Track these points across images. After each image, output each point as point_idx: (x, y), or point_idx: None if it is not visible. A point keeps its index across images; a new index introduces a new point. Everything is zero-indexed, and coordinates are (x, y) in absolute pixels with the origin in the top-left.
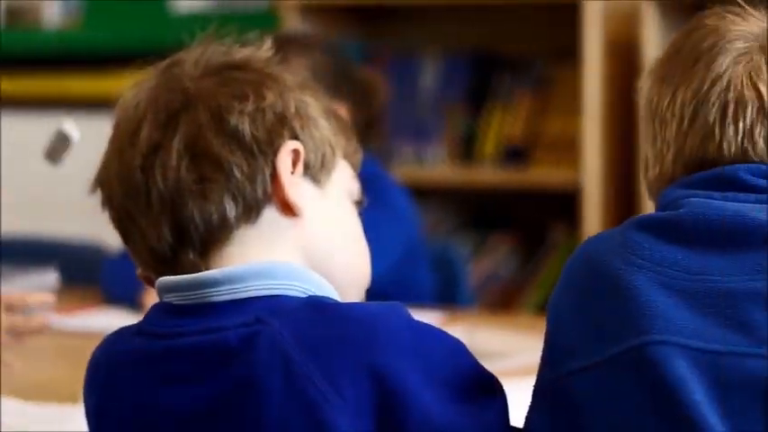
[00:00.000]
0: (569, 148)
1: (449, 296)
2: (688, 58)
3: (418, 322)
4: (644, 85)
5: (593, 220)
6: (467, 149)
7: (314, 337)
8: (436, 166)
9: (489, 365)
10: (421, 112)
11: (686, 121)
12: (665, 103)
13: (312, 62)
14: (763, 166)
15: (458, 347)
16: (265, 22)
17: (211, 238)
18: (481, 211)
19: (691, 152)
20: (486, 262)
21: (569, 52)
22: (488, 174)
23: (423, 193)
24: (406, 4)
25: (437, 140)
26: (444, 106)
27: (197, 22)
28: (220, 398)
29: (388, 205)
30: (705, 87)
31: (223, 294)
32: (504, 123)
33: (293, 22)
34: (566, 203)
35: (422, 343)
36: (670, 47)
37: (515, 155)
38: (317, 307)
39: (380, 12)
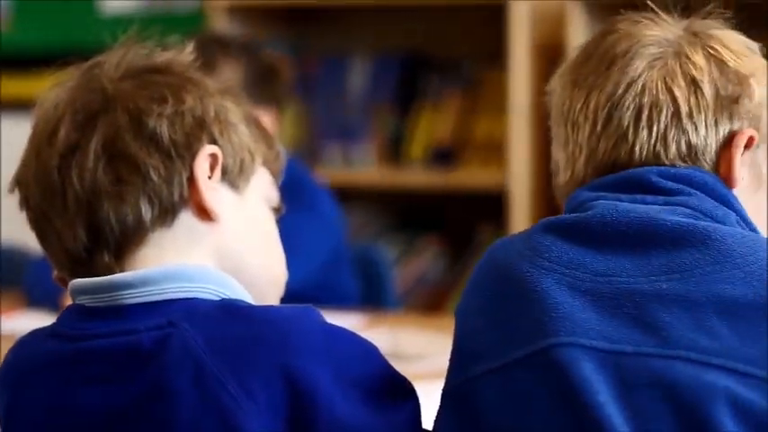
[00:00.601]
0: (497, 150)
1: (374, 299)
2: (602, 62)
3: (331, 325)
4: (554, 89)
5: (520, 221)
6: (395, 151)
7: (226, 339)
8: (364, 167)
9: (411, 367)
10: (349, 113)
11: (600, 125)
12: (578, 107)
13: (237, 64)
14: (673, 170)
15: (370, 351)
16: (194, 23)
17: (126, 241)
18: (409, 213)
19: (603, 155)
20: (415, 264)
21: (497, 54)
22: (416, 175)
23: (351, 195)
24: (335, 5)
25: (365, 142)
26: (372, 107)
27: (125, 24)
28: (134, 400)
29: (313, 209)
30: (620, 91)
31: (136, 297)
32: (432, 125)
33: (222, 24)
34: (493, 205)
35: (334, 346)
36: (582, 51)
37: (443, 156)
38: (230, 310)
39: (309, 13)
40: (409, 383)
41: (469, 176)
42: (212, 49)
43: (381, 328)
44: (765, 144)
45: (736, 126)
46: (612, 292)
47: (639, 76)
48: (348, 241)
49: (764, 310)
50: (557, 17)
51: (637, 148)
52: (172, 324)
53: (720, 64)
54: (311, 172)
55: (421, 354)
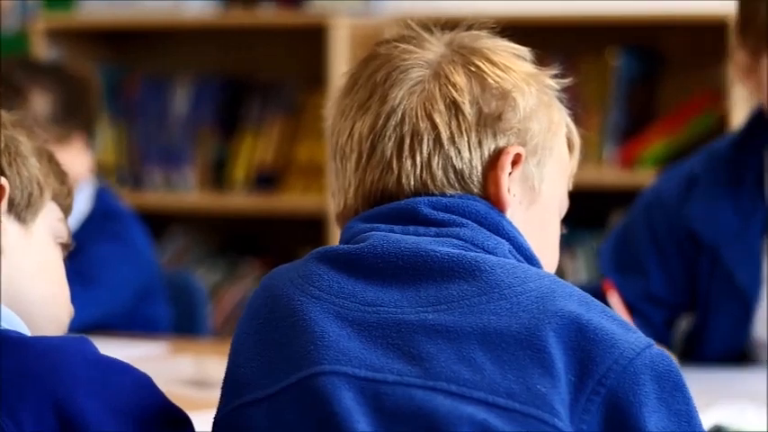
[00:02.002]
0: (318, 174)
1: (188, 326)
2: (364, 92)
3: (103, 356)
4: (329, 118)
5: None
6: (217, 175)
7: None
8: (186, 191)
9: (215, 394)
10: (171, 136)
11: (365, 157)
12: (344, 139)
13: (46, 90)
14: (444, 199)
15: (143, 381)
16: (14, 46)
17: None
18: (232, 238)
19: (371, 186)
20: (237, 289)
21: (318, 77)
22: (239, 199)
23: (173, 220)
24: (157, 28)
25: (187, 165)
26: (195, 131)
27: None
28: None
29: (122, 239)
30: (381, 122)
31: None
32: (254, 149)
33: (42, 47)
34: (315, 228)
35: (105, 377)
36: (348, 79)
37: (266, 180)
38: (1, 341)
39: (132, 36)
40: (183, 414)
41: (291, 200)
42: (20, 75)
43: (186, 355)
44: (537, 156)
45: (501, 143)
46: (379, 321)
47: (399, 104)
48: (164, 268)
49: (528, 343)
50: (377, 39)
51: (403, 179)
52: None
53: (482, 81)
54: (121, 201)
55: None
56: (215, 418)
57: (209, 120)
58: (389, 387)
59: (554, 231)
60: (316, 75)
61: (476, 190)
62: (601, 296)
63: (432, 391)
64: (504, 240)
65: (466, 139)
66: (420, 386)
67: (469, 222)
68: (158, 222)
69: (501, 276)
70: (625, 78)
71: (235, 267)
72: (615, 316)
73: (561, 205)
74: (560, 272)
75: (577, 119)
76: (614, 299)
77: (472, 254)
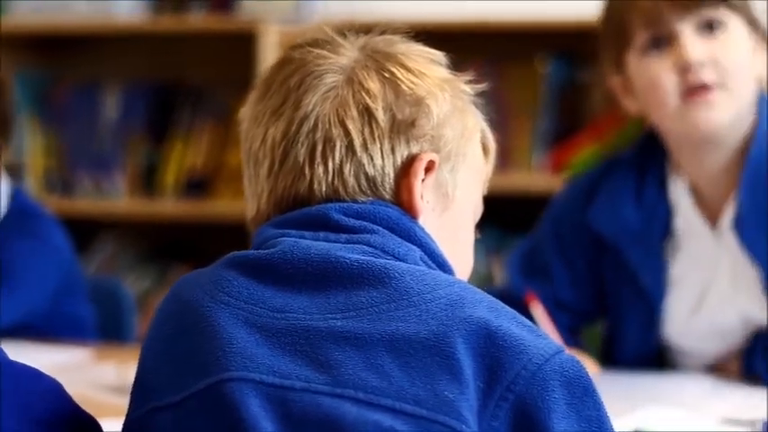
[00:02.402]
0: None
1: (115, 332)
2: (277, 97)
3: (13, 363)
4: (242, 124)
5: None
6: (148, 181)
7: None
8: (117, 197)
9: None
10: (102, 143)
11: (277, 163)
12: (258, 144)
13: None
14: (356, 206)
15: (53, 388)
16: None
17: None
18: (162, 244)
19: (284, 192)
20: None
21: (248, 82)
22: (169, 205)
23: (103, 226)
24: (88, 34)
25: (117, 172)
26: (125, 137)
27: None
28: None
29: (39, 237)
30: (294, 128)
31: None
32: (185, 155)
33: None
34: (245, 235)
35: (15, 384)
36: (262, 84)
37: (196, 186)
38: None
39: (62, 42)
40: (93, 420)
41: (222, 206)
42: None
43: (110, 361)
44: (450, 162)
45: (414, 149)
46: (287, 328)
47: (312, 110)
48: (93, 274)
49: (437, 349)
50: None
51: (315, 185)
52: None
53: (396, 87)
54: (37, 201)
55: None
56: (124, 422)
57: (140, 126)
58: (297, 394)
59: (468, 237)
60: (246, 80)
61: (388, 197)
62: (521, 305)
63: (339, 399)
64: (415, 247)
65: (379, 145)
66: (327, 393)
67: (380, 229)
68: (88, 229)
69: (410, 283)
70: (554, 84)
71: (165, 274)
72: (525, 322)
73: (475, 211)
74: (489, 277)
75: (507, 125)
76: (538, 310)
77: (382, 261)
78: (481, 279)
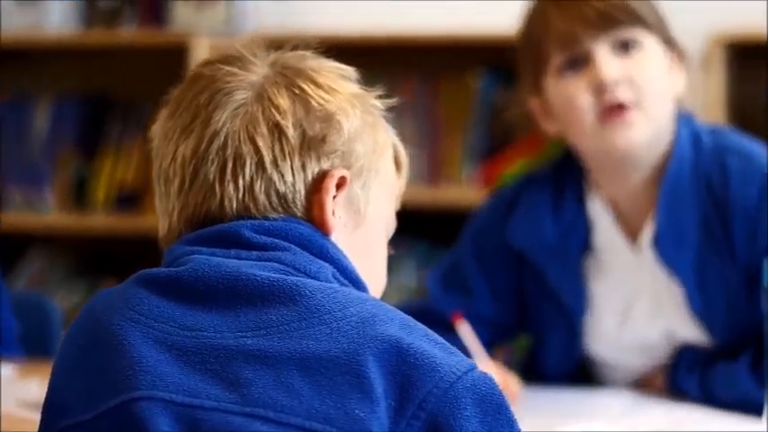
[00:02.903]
0: None
1: (43, 348)
2: (187, 114)
3: None
4: (153, 141)
5: None
6: (78, 195)
7: None
8: (47, 211)
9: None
10: (32, 156)
11: (188, 181)
12: (168, 162)
13: None
14: (267, 223)
15: None
16: None
17: None
18: (93, 258)
19: (195, 210)
20: None
21: None
22: (100, 220)
23: (33, 241)
24: (18, 47)
25: (48, 186)
26: (56, 151)
27: None
28: None
29: None
30: (203, 145)
31: None
32: (115, 169)
33: None
34: None
35: None
36: (172, 101)
37: (127, 200)
38: None
39: None
40: None
41: (153, 221)
42: None
43: (34, 377)
44: (362, 178)
45: (325, 166)
46: (198, 346)
47: (222, 128)
48: (23, 289)
49: (348, 367)
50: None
51: (226, 203)
52: None
53: (306, 103)
54: None
55: None
56: None
57: (70, 139)
58: (206, 413)
59: (380, 253)
60: None
61: (300, 213)
62: (441, 321)
63: (249, 418)
64: (327, 264)
65: (289, 162)
66: (237, 412)
67: (292, 246)
68: (18, 243)
69: (322, 301)
70: (486, 99)
71: (95, 288)
72: (437, 339)
73: (388, 227)
74: (420, 291)
75: (438, 139)
76: (464, 329)
77: (293, 278)
78: (412, 293)
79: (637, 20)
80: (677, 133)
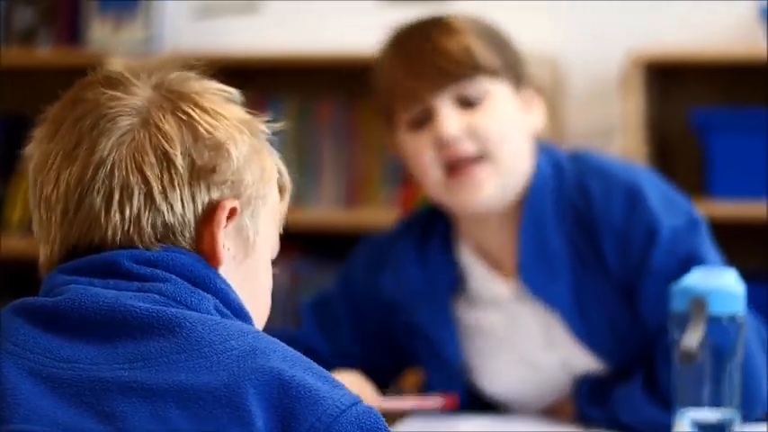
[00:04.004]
0: None
1: None
2: (70, 139)
3: None
4: (29, 162)
5: None
6: None
7: None
8: None
9: None
10: None
11: (72, 210)
12: (50, 189)
13: None
14: (148, 253)
15: None
16: None
17: None
18: (8, 280)
19: (78, 239)
20: None
21: None
22: (15, 242)
23: None
24: None
25: None
26: None
27: None
28: None
29: None
30: (89, 174)
31: None
32: None
33: None
34: None
35: None
36: (50, 122)
37: None
38: None
39: None
40: None
41: None
42: None
43: None
44: (251, 207)
45: (215, 196)
46: (74, 378)
47: (108, 156)
48: None
49: (227, 400)
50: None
51: (110, 233)
52: None
53: (194, 130)
54: None
55: None
56: None
57: None
58: None
59: (267, 279)
60: None
61: (187, 245)
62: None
63: None
64: (209, 295)
65: (179, 193)
66: None
67: (173, 277)
68: None
69: (202, 333)
70: None
71: None
72: (322, 372)
73: (273, 251)
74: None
75: (357, 160)
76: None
77: (173, 310)
78: None
79: (479, 71)
80: (537, 166)
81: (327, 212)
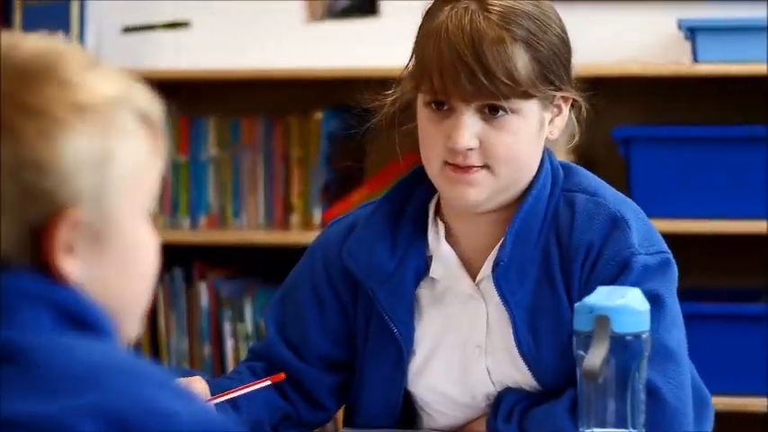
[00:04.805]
0: None
1: None
2: None
3: None
4: None
5: None
6: None
7: None
8: None
9: None
10: None
11: None
12: None
13: None
14: None
15: None
16: None
17: None
18: None
19: None
20: None
21: None
22: None
23: None
24: None
25: None
26: None
27: None
28: None
29: None
30: None
31: None
32: None
33: None
34: None
35: None
36: None
37: None
38: None
39: None
40: None
41: None
42: None
43: None
44: (93, 203)
45: (49, 210)
46: None
47: None
48: None
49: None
50: None
51: None
52: None
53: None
54: None
55: None
56: None
57: None
58: None
59: (143, 258)
60: None
61: (25, 263)
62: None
63: None
64: (47, 314)
65: (7, 216)
66: None
67: (7, 299)
68: None
69: (38, 359)
70: (333, 139)
71: None
72: (177, 389)
73: (147, 209)
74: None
75: (286, 180)
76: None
77: (4, 334)
78: (250, 338)
79: (517, 95)
80: (539, 171)
81: (252, 231)
